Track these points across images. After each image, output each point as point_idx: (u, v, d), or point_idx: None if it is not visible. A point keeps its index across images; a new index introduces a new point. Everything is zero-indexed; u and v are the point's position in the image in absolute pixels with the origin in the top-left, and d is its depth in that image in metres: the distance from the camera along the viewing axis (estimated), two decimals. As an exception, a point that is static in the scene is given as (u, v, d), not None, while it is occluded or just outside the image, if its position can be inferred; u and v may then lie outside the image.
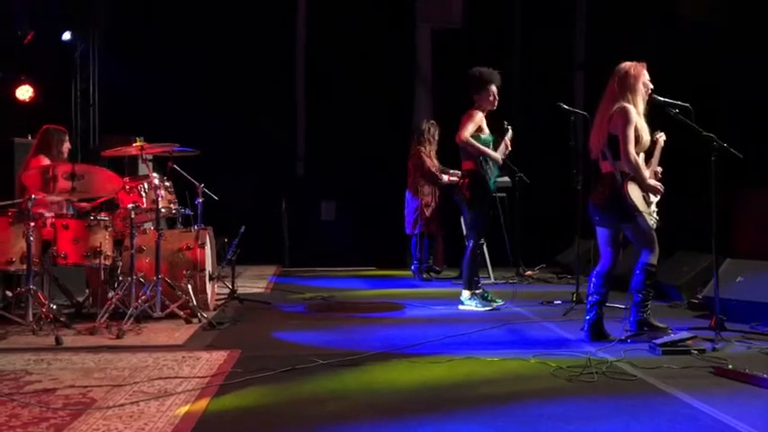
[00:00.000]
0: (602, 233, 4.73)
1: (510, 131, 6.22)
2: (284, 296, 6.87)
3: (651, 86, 4.64)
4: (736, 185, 6.38)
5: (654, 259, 4.60)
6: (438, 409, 3.26)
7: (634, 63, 4.62)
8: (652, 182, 4.59)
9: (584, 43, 10.29)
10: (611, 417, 3.14)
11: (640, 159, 4.54)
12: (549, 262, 8.83)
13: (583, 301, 5.61)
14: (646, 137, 4.56)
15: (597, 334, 4.62)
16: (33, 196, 5.01)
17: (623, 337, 4.57)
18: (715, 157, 4.48)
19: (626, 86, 4.54)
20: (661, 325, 4.67)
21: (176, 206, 5.85)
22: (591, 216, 4.75)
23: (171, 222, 6.55)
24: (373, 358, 4.16)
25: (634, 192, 4.48)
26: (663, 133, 4.88)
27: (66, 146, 5.94)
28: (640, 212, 4.47)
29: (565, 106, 6.24)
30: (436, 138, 8.00)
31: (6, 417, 3.11)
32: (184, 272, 5.62)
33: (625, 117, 4.46)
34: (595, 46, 9.91)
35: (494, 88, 5.98)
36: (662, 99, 4.63)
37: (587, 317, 4.69)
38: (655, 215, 4.57)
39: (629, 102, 4.51)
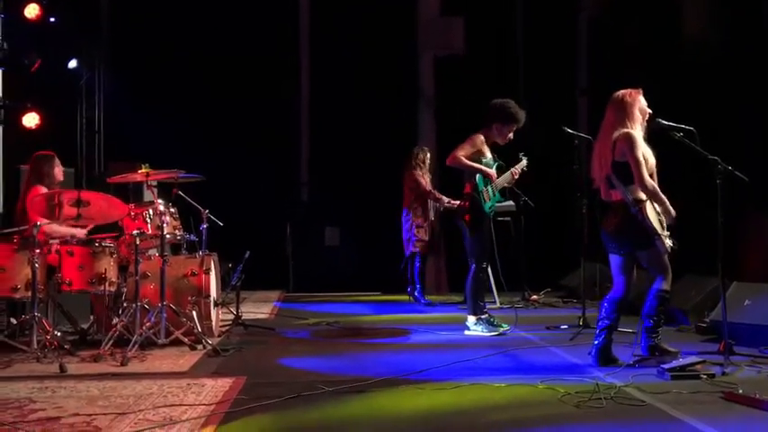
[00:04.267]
0: (615, 260, 4.68)
1: (524, 162, 6.18)
2: (289, 322, 6.84)
3: (649, 111, 4.64)
4: (744, 208, 6.35)
5: (667, 285, 4.57)
6: (445, 437, 3.23)
7: (629, 90, 4.63)
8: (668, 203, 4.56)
9: (587, 68, 10.35)
10: (621, 443, 3.10)
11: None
12: (554, 286, 8.79)
13: (590, 326, 5.57)
14: (651, 160, 4.54)
15: (605, 359, 4.58)
16: (39, 223, 5.01)
17: (631, 362, 4.53)
18: (720, 179, 4.46)
19: (623, 114, 4.55)
20: (672, 350, 4.63)
21: (181, 232, 5.85)
22: (605, 244, 4.71)
23: (176, 248, 6.55)
24: (379, 385, 4.13)
25: (651, 215, 4.45)
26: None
27: (58, 170, 5.88)
28: (659, 235, 4.43)
29: (569, 130, 6.22)
30: (426, 162, 8.12)
31: (10, 446, 3.09)
32: (189, 298, 5.61)
33: (631, 142, 4.46)
34: (598, 71, 9.96)
35: (514, 127, 5.95)
36: (666, 123, 4.61)
37: (596, 341, 4.65)
38: (669, 239, 4.53)
39: (628, 128, 4.51)
